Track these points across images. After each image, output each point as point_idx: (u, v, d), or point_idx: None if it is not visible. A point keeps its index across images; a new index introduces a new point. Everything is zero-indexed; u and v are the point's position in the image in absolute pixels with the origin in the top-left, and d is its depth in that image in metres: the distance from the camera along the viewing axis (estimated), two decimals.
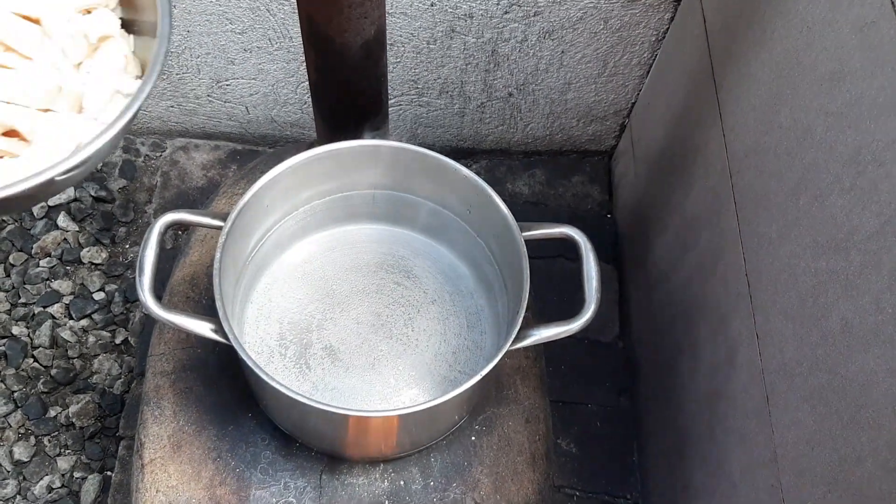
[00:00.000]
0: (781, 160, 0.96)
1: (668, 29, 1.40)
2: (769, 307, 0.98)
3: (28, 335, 1.51)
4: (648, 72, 1.50)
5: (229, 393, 1.05)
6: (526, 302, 0.90)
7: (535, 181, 1.67)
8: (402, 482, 1.02)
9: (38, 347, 1.49)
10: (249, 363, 0.84)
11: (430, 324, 1.05)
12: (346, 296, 1.07)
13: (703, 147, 1.21)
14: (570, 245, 0.95)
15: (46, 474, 1.41)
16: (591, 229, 1.04)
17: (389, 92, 1.49)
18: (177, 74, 1.55)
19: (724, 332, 1.10)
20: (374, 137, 1.06)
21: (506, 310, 1.02)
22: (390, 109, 1.54)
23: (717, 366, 1.13)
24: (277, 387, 0.84)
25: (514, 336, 0.89)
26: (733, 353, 1.07)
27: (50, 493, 1.39)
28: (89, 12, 0.72)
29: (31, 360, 1.49)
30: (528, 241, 0.95)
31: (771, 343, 0.97)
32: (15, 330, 1.50)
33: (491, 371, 0.88)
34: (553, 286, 1.43)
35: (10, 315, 1.52)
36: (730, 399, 1.08)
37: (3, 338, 1.51)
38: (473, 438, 1.04)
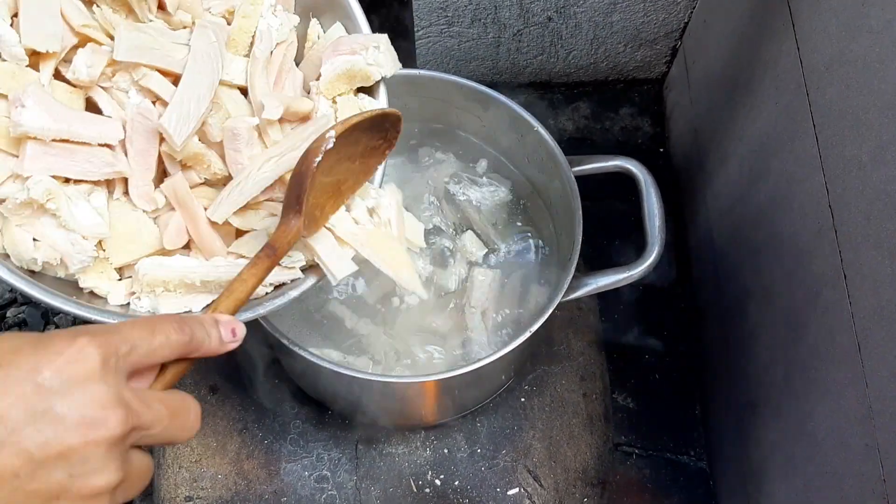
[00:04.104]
0: (872, 70, 0.85)
1: None
2: (860, 241, 0.87)
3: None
4: None
5: (253, 359, 0.96)
6: (579, 247, 0.79)
7: (579, 115, 1.58)
8: (445, 450, 0.93)
9: (58, 313, 1.44)
10: (276, 334, 0.76)
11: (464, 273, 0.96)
12: None
13: (772, 63, 1.10)
14: (623, 181, 0.85)
15: None
16: (643, 164, 0.94)
17: (416, 23, 1.39)
18: None
19: (803, 271, 1.00)
20: None
21: (555, 256, 0.92)
22: (418, 42, 1.44)
23: (794, 310, 1.03)
24: (305, 355, 0.75)
25: (566, 286, 0.78)
26: (815, 295, 0.97)
27: None
28: None
29: (53, 326, 1.45)
30: (578, 178, 0.85)
31: (862, 283, 0.87)
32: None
33: (541, 326, 0.78)
34: (603, 230, 1.33)
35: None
36: (811, 347, 0.98)
37: (23, 304, 1.46)
38: (523, 400, 0.95)
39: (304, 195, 0.62)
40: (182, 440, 0.50)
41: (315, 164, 0.61)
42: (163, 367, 0.51)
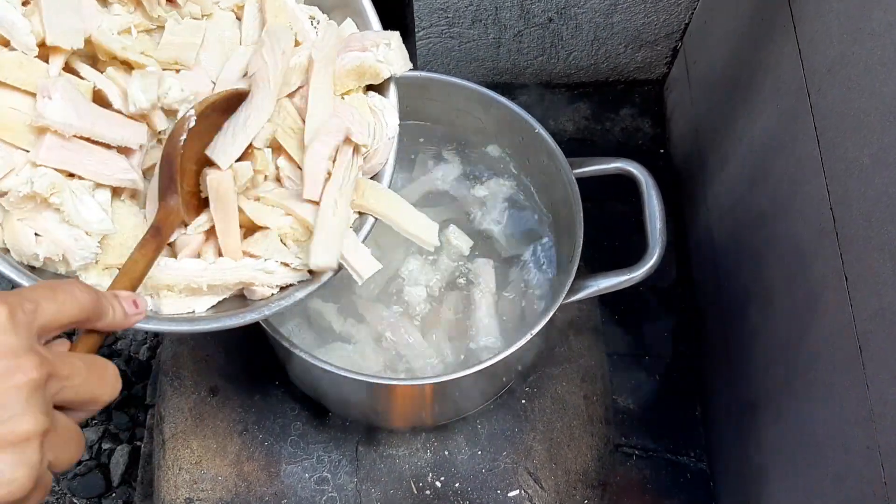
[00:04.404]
0: (874, 73, 0.85)
1: None
2: (861, 244, 0.87)
3: None
4: None
5: (253, 360, 0.96)
6: (580, 249, 0.79)
7: (579, 116, 1.58)
8: (446, 452, 0.93)
9: None
10: (276, 336, 0.75)
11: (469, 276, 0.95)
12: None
13: (773, 65, 1.09)
14: (623, 182, 0.84)
15: None
16: (644, 166, 0.93)
17: (416, 24, 1.38)
18: None
19: (804, 274, 1.00)
20: None
21: (556, 258, 0.92)
22: (418, 43, 1.43)
23: (795, 311, 1.03)
24: (307, 358, 0.75)
25: (568, 288, 0.78)
26: (815, 297, 0.97)
27: (78, 465, 1.34)
28: None
29: None
30: (578, 180, 0.84)
31: (864, 285, 0.86)
32: None
33: (542, 328, 0.78)
34: (602, 231, 1.33)
35: None
36: (812, 349, 0.98)
37: None
38: (524, 402, 0.95)
39: (176, 174, 0.64)
40: (105, 398, 0.51)
41: (181, 143, 0.64)
42: (72, 347, 0.53)
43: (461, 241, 0.95)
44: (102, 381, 0.50)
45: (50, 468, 0.47)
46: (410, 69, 0.77)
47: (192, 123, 0.65)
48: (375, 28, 0.78)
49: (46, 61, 0.66)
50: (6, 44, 0.65)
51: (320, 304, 0.92)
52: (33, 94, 0.64)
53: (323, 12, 0.80)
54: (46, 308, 0.48)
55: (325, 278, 0.71)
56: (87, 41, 0.68)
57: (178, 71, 0.72)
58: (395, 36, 0.76)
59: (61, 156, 0.63)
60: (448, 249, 0.95)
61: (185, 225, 0.69)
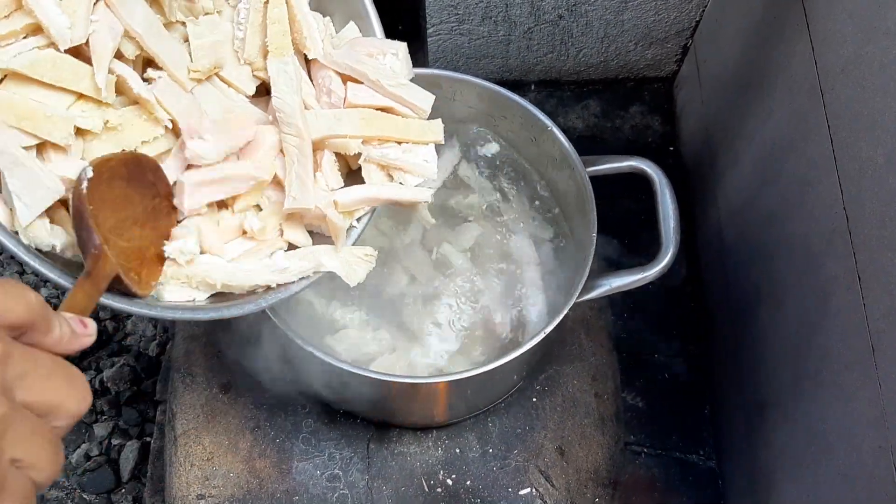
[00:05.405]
0: (889, 72, 0.84)
1: None
2: (875, 243, 0.87)
3: (58, 296, 1.44)
4: None
5: (265, 357, 0.96)
6: (594, 247, 0.79)
7: (589, 113, 1.57)
8: (457, 450, 0.93)
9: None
10: (289, 333, 0.76)
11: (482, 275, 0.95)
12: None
13: (785, 63, 1.09)
14: (634, 180, 0.84)
15: (83, 442, 1.35)
16: (658, 165, 0.93)
17: (426, 20, 1.38)
18: None
19: (815, 273, 1.00)
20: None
21: (568, 257, 0.91)
22: (428, 40, 1.43)
23: (806, 311, 1.02)
24: (320, 355, 0.75)
25: (581, 287, 0.78)
26: (827, 297, 0.96)
27: (88, 461, 1.34)
28: None
29: None
30: (591, 178, 0.84)
31: (877, 285, 0.86)
32: (44, 292, 1.44)
33: (554, 327, 0.78)
34: (613, 229, 1.32)
35: (38, 276, 1.46)
36: (823, 348, 0.98)
37: None
38: (535, 400, 0.95)
39: (91, 231, 0.62)
40: (73, 407, 0.47)
41: (84, 190, 0.62)
42: None
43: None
44: (70, 386, 0.47)
45: (22, 469, 0.42)
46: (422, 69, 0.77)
47: (90, 174, 0.62)
48: (378, 32, 0.78)
49: (76, 56, 0.66)
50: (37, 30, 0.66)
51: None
52: (59, 89, 0.65)
53: (324, 15, 0.80)
54: None
55: (321, 273, 0.72)
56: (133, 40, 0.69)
57: (217, 74, 0.72)
58: (402, 47, 0.76)
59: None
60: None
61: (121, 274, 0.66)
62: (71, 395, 0.46)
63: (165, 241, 0.69)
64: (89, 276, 0.62)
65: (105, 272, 0.63)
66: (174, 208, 0.70)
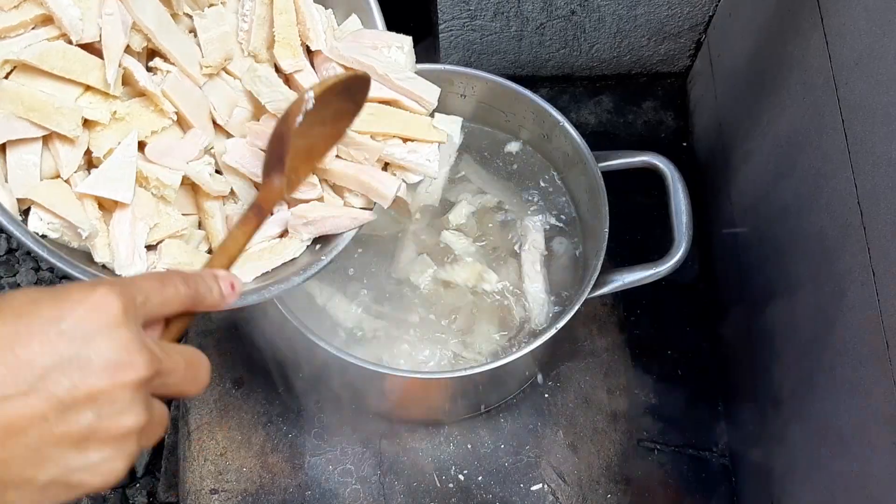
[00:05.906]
0: None
1: None
2: (889, 238, 0.86)
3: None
4: None
5: (277, 353, 0.96)
6: (606, 242, 0.79)
7: (601, 109, 1.56)
8: (469, 446, 0.93)
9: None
10: (301, 329, 0.76)
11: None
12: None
13: (799, 58, 1.08)
14: (645, 175, 0.84)
15: None
16: (671, 160, 0.93)
17: (438, 16, 1.38)
18: None
19: (829, 269, 0.99)
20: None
21: (580, 252, 0.91)
22: (440, 36, 1.43)
23: (820, 307, 1.02)
24: (334, 352, 0.75)
25: (593, 282, 0.78)
26: (841, 293, 0.96)
27: None
28: None
29: None
30: (604, 174, 0.84)
31: (892, 280, 0.86)
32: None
33: (566, 323, 0.78)
34: (625, 225, 1.32)
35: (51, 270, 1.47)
36: (837, 344, 0.97)
37: None
38: (547, 396, 0.95)
39: (287, 155, 0.64)
40: (193, 393, 0.52)
41: (297, 124, 0.63)
42: (167, 322, 0.52)
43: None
44: (195, 379, 0.51)
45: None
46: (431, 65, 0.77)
47: (311, 105, 0.64)
48: (380, 25, 0.78)
49: (84, 48, 0.66)
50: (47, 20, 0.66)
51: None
52: (67, 81, 0.65)
53: (326, 7, 0.79)
54: (154, 301, 0.49)
55: (324, 262, 0.72)
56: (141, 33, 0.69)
57: (226, 69, 0.73)
58: (407, 41, 0.76)
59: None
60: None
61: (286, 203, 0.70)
62: (195, 386, 0.51)
63: (333, 146, 0.71)
64: (259, 210, 0.64)
65: (273, 205, 0.66)
66: (355, 113, 0.72)
